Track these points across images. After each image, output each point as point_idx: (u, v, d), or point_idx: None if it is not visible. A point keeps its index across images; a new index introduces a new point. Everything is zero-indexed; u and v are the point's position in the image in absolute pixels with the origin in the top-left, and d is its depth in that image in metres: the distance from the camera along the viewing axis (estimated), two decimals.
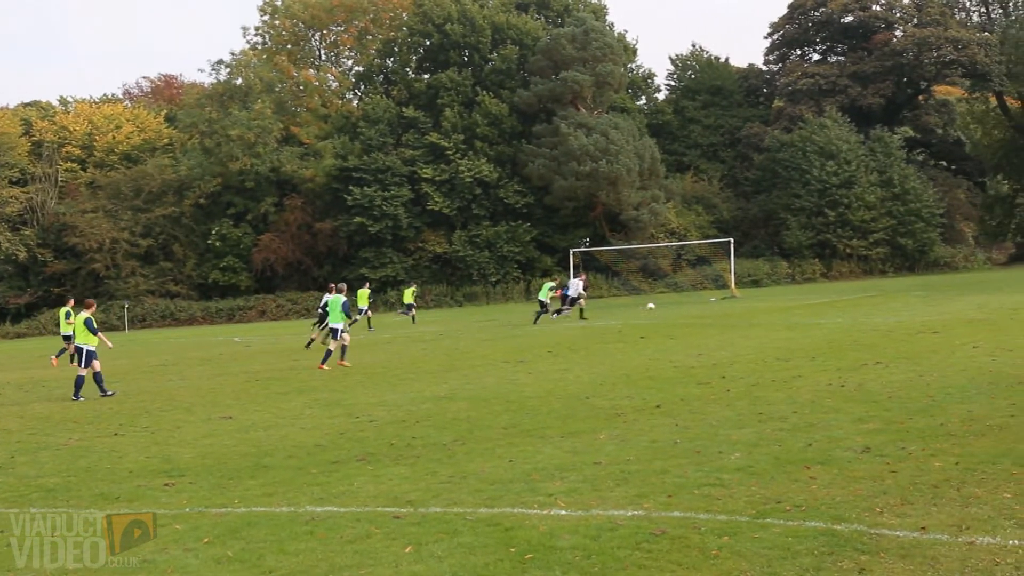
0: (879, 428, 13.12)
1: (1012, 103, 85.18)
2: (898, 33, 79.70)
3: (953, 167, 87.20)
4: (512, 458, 12.67)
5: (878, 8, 79.86)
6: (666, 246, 68.62)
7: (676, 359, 23.12)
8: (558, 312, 41.13)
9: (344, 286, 29.55)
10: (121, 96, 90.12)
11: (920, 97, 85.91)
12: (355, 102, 77.85)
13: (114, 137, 73.08)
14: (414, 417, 16.70)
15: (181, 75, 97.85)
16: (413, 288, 49.01)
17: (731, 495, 10.00)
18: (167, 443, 15.44)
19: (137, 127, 74.62)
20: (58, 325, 35.71)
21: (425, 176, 67.64)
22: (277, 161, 67.77)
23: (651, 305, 38.95)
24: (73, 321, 25.69)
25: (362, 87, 77.71)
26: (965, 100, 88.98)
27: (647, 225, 68.22)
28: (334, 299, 27.13)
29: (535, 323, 38.72)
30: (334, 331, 26.80)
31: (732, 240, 60.64)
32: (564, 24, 72.79)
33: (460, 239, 68.15)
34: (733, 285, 57.13)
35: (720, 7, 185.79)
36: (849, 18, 79.92)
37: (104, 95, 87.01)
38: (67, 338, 31.14)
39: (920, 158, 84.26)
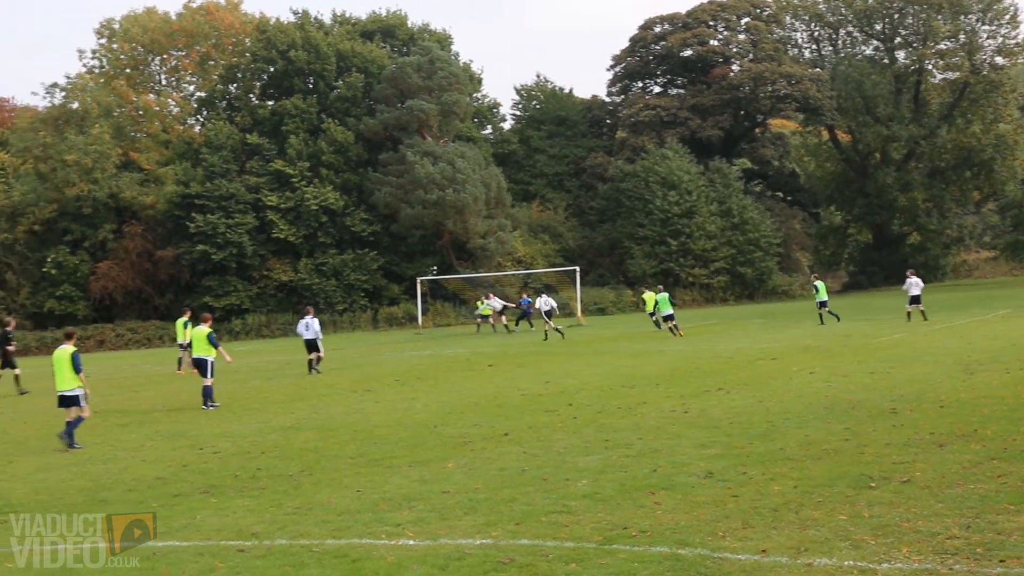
0: (721, 453, 13.41)
1: (843, 137, 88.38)
2: (735, 68, 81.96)
3: (789, 198, 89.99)
4: (360, 488, 12.57)
5: (716, 43, 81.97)
6: (513, 274, 69.02)
7: (524, 387, 23.26)
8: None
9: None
10: None
11: (756, 130, 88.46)
12: (197, 128, 76.36)
13: None
14: (260, 448, 16.44)
15: (13, 98, 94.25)
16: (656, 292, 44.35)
17: (578, 522, 10.09)
18: None
19: None
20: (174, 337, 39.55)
21: (270, 203, 66.75)
22: (116, 187, 66.06)
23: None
24: (190, 332, 28.33)
25: (204, 113, 76.32)
26: (799, 133, 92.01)
27: (494, 253, 68.56)
28: (662, 296, 40.11)
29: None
30: (668, 316, 39.34)
31: (578, 268, 61.33)
32: (410, 53, 72.81)
33: (306, 267, 67.37)
34: (580, 313, 57.78)
35: (564, 39, 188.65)
36: (688, 52, 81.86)
37: None
38: (183, 346, 34.28)
39: (757, 189, 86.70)
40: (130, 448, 17.35)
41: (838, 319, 40.37)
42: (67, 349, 18.48)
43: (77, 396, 18.19)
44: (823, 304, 41.23)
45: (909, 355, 25.34)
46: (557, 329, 43.46)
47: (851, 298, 72.02)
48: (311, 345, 31.35)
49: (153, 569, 9.30)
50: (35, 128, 68.52)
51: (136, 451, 16.99)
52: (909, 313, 39.05)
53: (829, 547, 8.70)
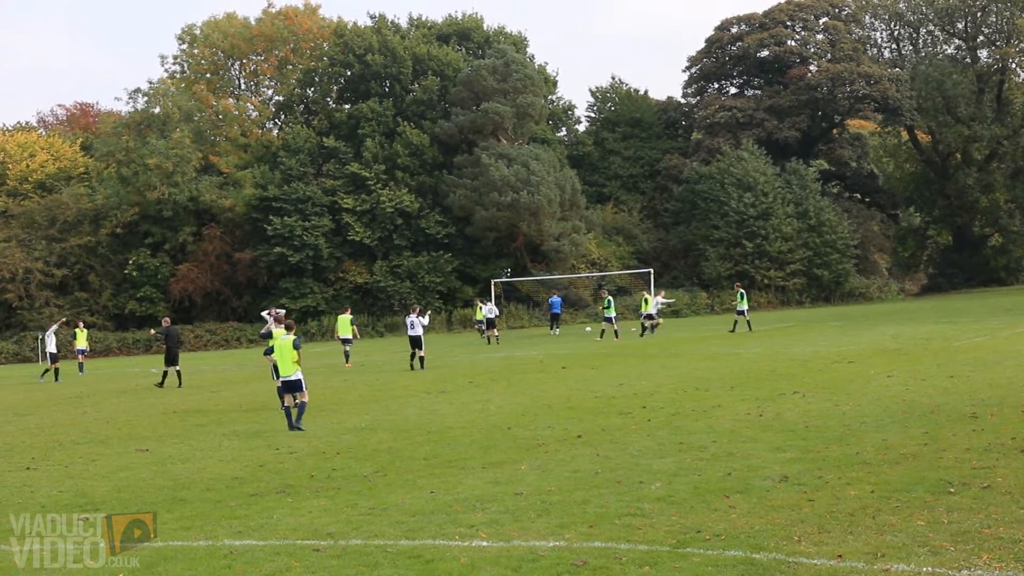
0: (797, 457, 13.28)
1: (923, 137, 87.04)
2: (812, 68, 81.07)
3: (867, 199, 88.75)
4: (433, 489, 12.63)
5: (793, 43, 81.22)
6: (587, 276, 68.91)
7: (597, 389, 23.21)
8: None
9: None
10: (35, 124, 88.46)
11: (834, 131, 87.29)
12: (275, 132, 77.40)
13: (28, 166, 71.63)
14: (335, 448, 16.58)
15: (97, 103, 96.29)
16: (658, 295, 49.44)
17: (652, 525, 10.06)
18: (81, 476, 15.14)
19: (52, 155, 73.18)
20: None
21: (346, 206, 67.37)
22: (196, 190, 67.06)
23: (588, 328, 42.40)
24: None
25: (282, 117, 77.27)
26: (878, 134, 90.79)
27: (568, 255, 68.54)
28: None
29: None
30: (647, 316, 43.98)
31: (652, 270, 61.09)
32: (485, 56, 72.99)
33: (381, 269, 67.88)
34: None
35: (639, 41, 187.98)
36: (765, 53, 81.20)
37: (17, 123, 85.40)
38: (345, 340, 37.61)
39: (835, 190, 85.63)
40: (208, 448, 17.59)
41: (750, 328, 43.31)
42: (289, 338, 20.00)
43: (300, 381, 19.72)
44: (742, 312, 44.39)
45: (990, 359, 24.89)
46: (496, 336, 46.29)
47: (931, 300, 70.95)
48: (416, 342, 33.17)
49: (230, 567, 9.43)
50: (118, 132, 69.86)
51: (214, 451, 17.22)
52: None
53: (907, 553, 8.58)
